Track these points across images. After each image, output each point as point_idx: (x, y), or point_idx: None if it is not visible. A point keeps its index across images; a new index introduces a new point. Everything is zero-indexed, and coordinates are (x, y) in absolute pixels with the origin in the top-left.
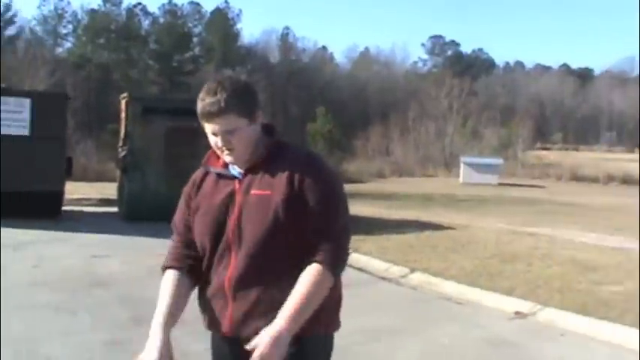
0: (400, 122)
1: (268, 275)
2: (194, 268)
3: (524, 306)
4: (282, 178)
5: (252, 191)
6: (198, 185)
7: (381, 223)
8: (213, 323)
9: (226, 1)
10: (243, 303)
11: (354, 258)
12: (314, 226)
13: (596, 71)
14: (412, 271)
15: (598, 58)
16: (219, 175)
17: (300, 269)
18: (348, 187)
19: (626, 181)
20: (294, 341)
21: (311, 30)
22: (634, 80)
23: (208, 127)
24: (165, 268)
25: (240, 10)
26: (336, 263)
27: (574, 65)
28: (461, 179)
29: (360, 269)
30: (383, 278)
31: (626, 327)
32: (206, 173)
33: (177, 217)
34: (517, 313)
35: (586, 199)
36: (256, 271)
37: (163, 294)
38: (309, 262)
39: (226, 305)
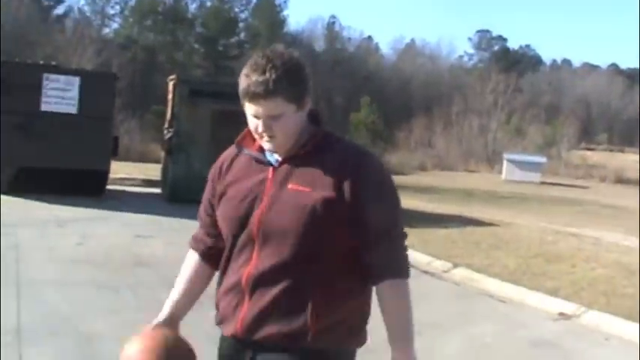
0: (444, 116)
1: (292, 278)
2: (213, 256)
3: (569, 307)
4: (327, 175)
5: (290, 185)
6: (227, 167)
7: (424, 217)
8: (224, 320)
9: None
10: (259, 304)
11: None
12: (373, 235)
13: None
14: (455, 266)
15: None
16: (253, 159)
17: (334, 278)
18: None
19: None
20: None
21: (357, 20)
22: None
23: (249, 109)
24: (190, 247)
25: None
26: (406, 273)
27: (623, 65)
28: (503, 176)
29: None
30: (425, 272)
31: None
32: (236, 154)
33: (203, 202)
34: (561, 314)
35: (630, 202)
36: (279, 273)
37: (181, 273)
38: (379, 277)
39: (241, 303)
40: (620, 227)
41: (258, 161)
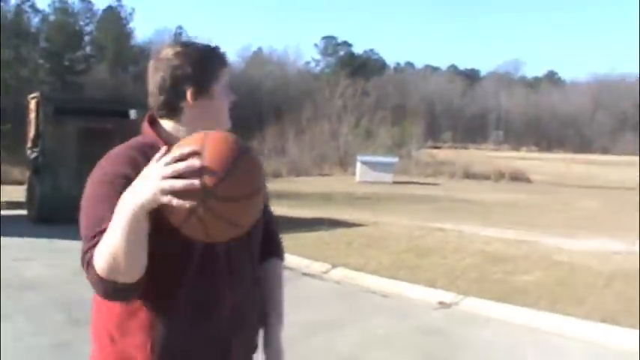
0: (295, 122)
1: (256, 307)
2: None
3: (447, 296)
4: None
5: None
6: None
7: (292, 222)
8: None
9: (118, 0)
10: (241, 354)
11: None
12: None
13: (483, 72)
14: (333, 266)
15: (484, 60)
16: None
17: None
18: None
19: (515, 177)
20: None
21: (204, 30)
22: (519, 81)
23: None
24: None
25: (133, 9)
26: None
27: (461, 66)
28: (357, 178)
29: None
30: (305, 274)
31: (542, 312)
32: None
33: (102, 212)
34: (441, 303)
35: (480, 195)
36: (252, 306)
37: None
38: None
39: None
40: (475, 220)
41: None
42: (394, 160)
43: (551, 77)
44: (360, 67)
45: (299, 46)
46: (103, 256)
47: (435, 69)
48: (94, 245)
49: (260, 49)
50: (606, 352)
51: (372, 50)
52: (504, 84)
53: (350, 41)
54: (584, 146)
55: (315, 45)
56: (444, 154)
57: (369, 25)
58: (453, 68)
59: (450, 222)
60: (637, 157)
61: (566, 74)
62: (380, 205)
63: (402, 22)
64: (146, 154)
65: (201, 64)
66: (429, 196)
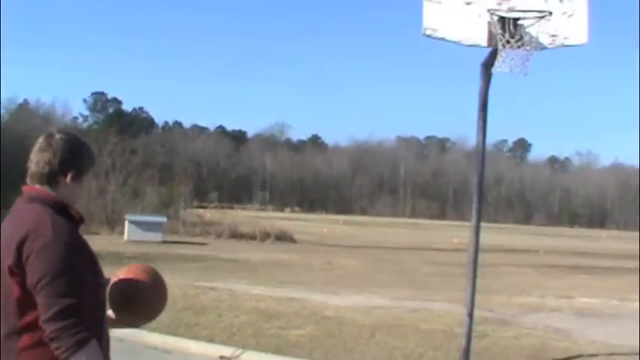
0: None
1: None
2: None
3: (227, 351)
4: None
5: None
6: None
7: None
8: None
9: None
10: None
11: None
12: None
13: (250, 134)
14: None
15: (251, 122)
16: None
17: None
18: None
19: (280, 237)
20: None
21: None
22: (284, 144)
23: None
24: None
25: None
26: None
27: (229, 127)
28: (126, 237)
29: None
30: None
31: None
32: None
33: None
34: (222, 357)
35: (247, 254)
36: None
37: None
38: None
39: None
40: (244, 278)
41: None
42: (162, 219)
43: (315, 141)
44: (128, 124)
45: (67, 100)
46: None
47: (203, 129)
48: None
49: (26, 101)
50: None
51: (141, 108)
52: (270, 146)
53: (120, 98)
54: (344, 207)
55: (84, 100)
56: (211, 214)
57: (139, 82)
58: (221, 129)
59: (220, 281)
60: (393, 219)
61: (329, 138)
62: (150, 264)
63: (171, 80)
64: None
65: (84, 156)
66: (198, 255)
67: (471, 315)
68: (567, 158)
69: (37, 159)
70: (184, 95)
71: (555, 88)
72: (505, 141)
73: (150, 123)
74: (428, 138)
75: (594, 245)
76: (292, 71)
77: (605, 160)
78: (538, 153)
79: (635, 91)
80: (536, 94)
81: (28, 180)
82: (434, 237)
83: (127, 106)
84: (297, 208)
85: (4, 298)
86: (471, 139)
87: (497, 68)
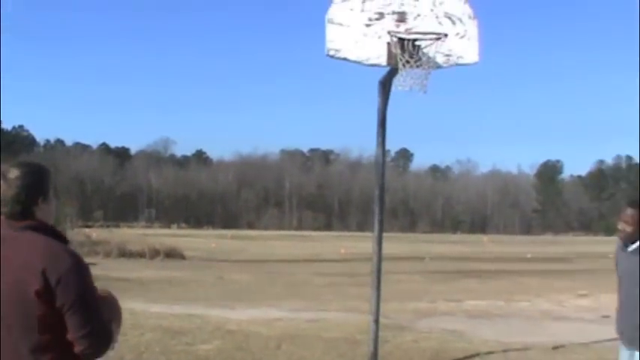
0: None
1: None
2: None
3: None
4: None
5: None
6: None
7: None
8: None
9: None
10: None
11: None
12: None
13: (133, 150)
14: None
15: (135, 138)
16: None
17: None
18: None
19: (169, 254)
20: None
21: None
22: (169, 160)
23: None
24: None
25: None
26: None
27: (112, 145)
28: None
29: None
30: None
31: None
32: None
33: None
34: None
35: (138, 273)
36: None
37: None
38: None
39: None
40: (139, 297)
41: None
42: None
43: (200, 156)
44: (8, 143)
45: None
46: None
47: (86, 146)
48: None
49: None
50: None
51: (21, 126)
52: (154, 162)
53: None
54: (231, 222)
55: None
56: (97, 233)
57: (18, 99)
58: (104, 146)
59: None
60: (280, 232)
61: (213, 153)
62: None
63: (52, 97)
64: None
65: (44, 179)
66: None
67: (377, 321)
68: (448, 166)
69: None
70: (66, 112)
71: (435, 99)
72: (388, 151)
73: (31, 141)
74: (312, 150)
75: (477, 250)
76: (175, 86)
77: (484, 167)
78: (420, 162)
79: (513, 100)
80: (417, 104)
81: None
82: (321, 248)
83: (7, 125)
84: (183, 224)
85: (24, 316)
86: (354, 151)
87: (398, 87)
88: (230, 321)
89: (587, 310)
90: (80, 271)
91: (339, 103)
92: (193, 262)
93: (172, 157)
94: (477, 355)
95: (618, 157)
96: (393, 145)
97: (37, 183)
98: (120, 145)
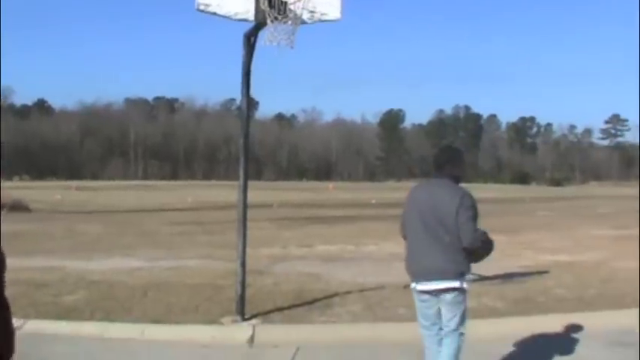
0: None
1: None
2: None
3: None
4: None
5: None
6: None
7: None
8: None
9: None
10: None
11: None
12: None
13: None
14: None
15: None
16: None
17: None
18: None
19: (14, 208)
20: None
21: None
22: (8, 109)
23: None
24: None
25: None
26: None
27: None
28: None
29: None
30: None
31: (103, 322)
32: None
33: None
34: None
35: None
36: None
37: None
38: None
39: None
40: None
41: None
42: None
43: (42, 105)
44: None
45: None
46: None
47: None
48: None
49: None
50: (165, 347)
51: None
52: None
53: None
54: (75, 173)
55: None
56: None
57: None
58: None
59: None
60: (125, 181)
61: (56, 102)
62: None
63: None
64: None
65: None
66: None
67: (243, 265)
68: (293, 115)
69: None
70: None
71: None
72: (233, 100)
73: None
74: (157, 99)
75: (323, 197)
76: (15, 31)
77: (328, 116)
78: (265, 110)
79: (361, 51)
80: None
81: None
82: (168, 197)
83: None
84: (26, 176)
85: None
86: (199, 99)
87: (267, 42)
88: (91, 272)
89: None
90: None
91: (183, 52)
92: (40, 215)
93: (12, 106)
94: (337, 294)
95: (457, 106)
96: (238, 94)
97: None
98: None
